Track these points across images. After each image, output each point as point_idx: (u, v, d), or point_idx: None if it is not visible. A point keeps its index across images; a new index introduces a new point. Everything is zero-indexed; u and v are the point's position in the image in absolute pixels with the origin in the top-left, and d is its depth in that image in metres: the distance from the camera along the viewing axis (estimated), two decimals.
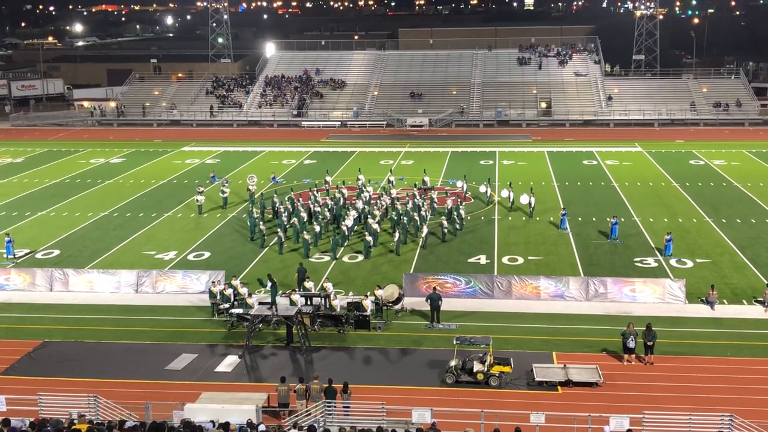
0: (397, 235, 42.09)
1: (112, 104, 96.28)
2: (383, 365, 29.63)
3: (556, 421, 23.37)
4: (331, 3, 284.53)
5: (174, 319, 34.11)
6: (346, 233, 43.80)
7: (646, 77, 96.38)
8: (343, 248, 42.22)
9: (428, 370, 28.90)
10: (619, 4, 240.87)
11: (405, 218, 44.75)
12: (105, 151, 73.91)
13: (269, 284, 34.97)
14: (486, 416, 23.45)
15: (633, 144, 73.20)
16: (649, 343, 29.08)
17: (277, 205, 48.08)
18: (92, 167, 66.42)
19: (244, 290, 34.14)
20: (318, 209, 46.54)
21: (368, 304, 32.65)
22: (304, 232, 42.74)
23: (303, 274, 35.87)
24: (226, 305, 33.34)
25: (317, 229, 43.58)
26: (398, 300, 34.02)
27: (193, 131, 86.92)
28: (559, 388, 27.31)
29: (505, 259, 40.76)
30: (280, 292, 34.81)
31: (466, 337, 29.03)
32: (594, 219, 47.75)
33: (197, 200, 50.93)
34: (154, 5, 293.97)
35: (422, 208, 46.96)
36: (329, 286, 34.51)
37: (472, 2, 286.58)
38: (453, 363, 27.97)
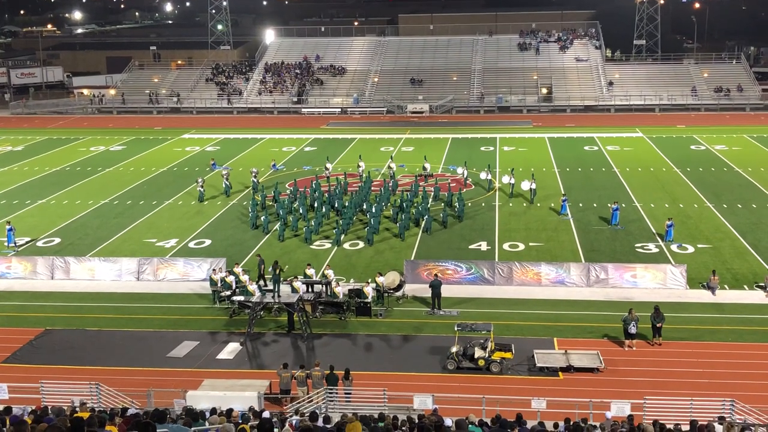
0: (399, 221, 42.11)
1: (112, 92, 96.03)
2: (384, 352, 29.69)
3: (557, 406, 23.38)
4: None
5: (175, 307, 34.16)
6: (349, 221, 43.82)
7: (647, 62, 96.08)
8: (344, 235, 42.17)
9: (429, 356, 28.96)
10: None
11: (406, 204, 44.80)
12: (105, 138, 73.77)
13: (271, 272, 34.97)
14: (487, 402, 23.55)
15: (634, 129, 73.02)
16: (657, 325, 29.19)
17: (278, 192, 48.04)
18: (92, 155, 66.33)
19: (245, 277, 34.13)
20: (318, 196, 46.48)
21: (369, 290, 32.70)
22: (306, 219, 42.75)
23: (261, 266, 35.96)
24: (228, 292, 33.38)
25: (318, 216, 43.56)
26: (399, 287, 34.05)
27: (193, 119, 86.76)
28: (560, 373, 27.38)
29: (506, 246, 40.74)
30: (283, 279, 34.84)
31: (468, 324, 29.08)
32: (595, 205, 47.70)
33: (199, 190, 50.77)
34: None
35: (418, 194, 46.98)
36: (330, 273, 34.51)
37: None
38: (454, 349, 28.02)
